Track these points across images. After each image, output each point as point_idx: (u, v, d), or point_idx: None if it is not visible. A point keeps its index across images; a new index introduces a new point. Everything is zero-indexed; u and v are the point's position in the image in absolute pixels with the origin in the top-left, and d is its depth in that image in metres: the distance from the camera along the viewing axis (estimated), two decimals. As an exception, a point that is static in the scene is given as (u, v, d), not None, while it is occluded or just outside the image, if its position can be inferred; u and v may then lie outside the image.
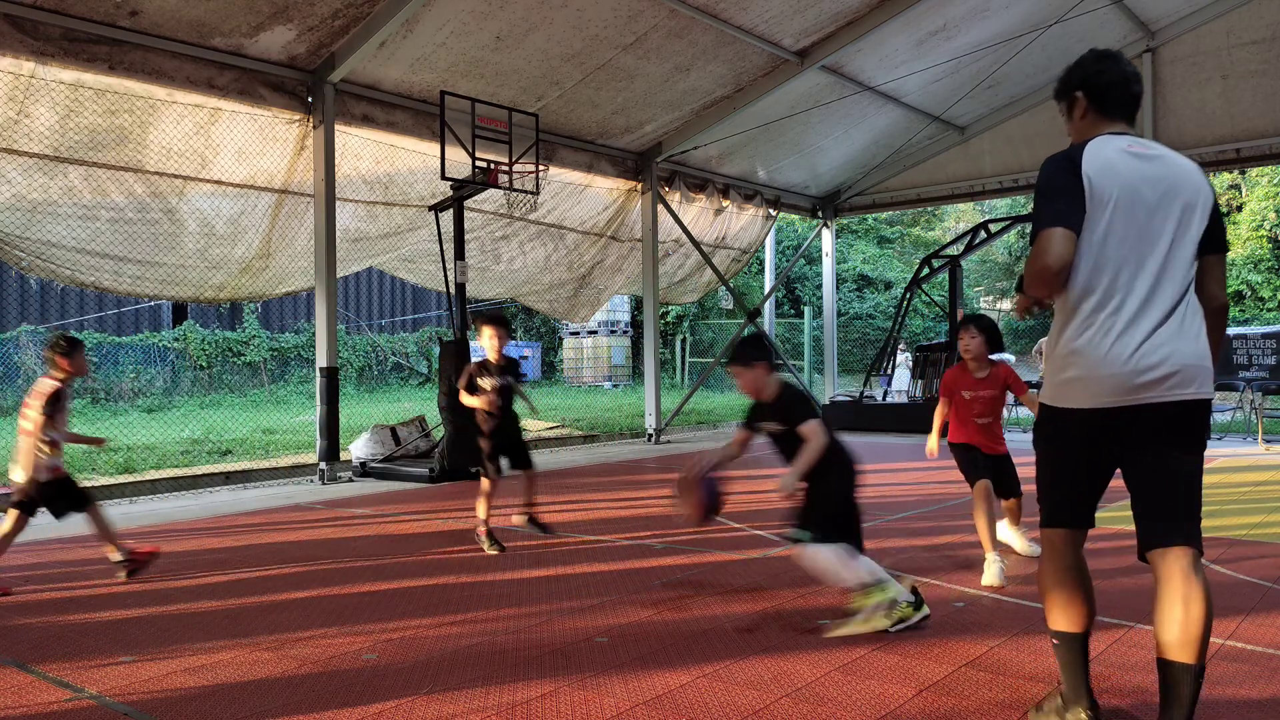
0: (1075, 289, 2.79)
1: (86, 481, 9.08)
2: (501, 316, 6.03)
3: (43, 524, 7.28)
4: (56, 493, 5.22)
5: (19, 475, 5.12)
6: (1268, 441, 12.51)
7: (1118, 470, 2.92)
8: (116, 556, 5.33)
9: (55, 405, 5.13)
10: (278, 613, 4.53)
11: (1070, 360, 2.80)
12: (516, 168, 9.99)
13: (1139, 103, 3.00)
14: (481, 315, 6.02)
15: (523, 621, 4.32)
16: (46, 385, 5.16)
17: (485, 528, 6.03)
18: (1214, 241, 2.85)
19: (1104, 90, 2.95)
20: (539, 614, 4.45)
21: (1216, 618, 4.13)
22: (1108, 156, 2.80)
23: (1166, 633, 2.69)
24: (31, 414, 5.05)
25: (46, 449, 5.10)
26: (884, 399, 16.71)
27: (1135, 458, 2.81)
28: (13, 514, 5.11)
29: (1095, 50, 3.05)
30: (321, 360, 9.73)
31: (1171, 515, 2.77)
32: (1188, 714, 2.69)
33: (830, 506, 4.17)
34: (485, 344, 5.96)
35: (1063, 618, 2.89)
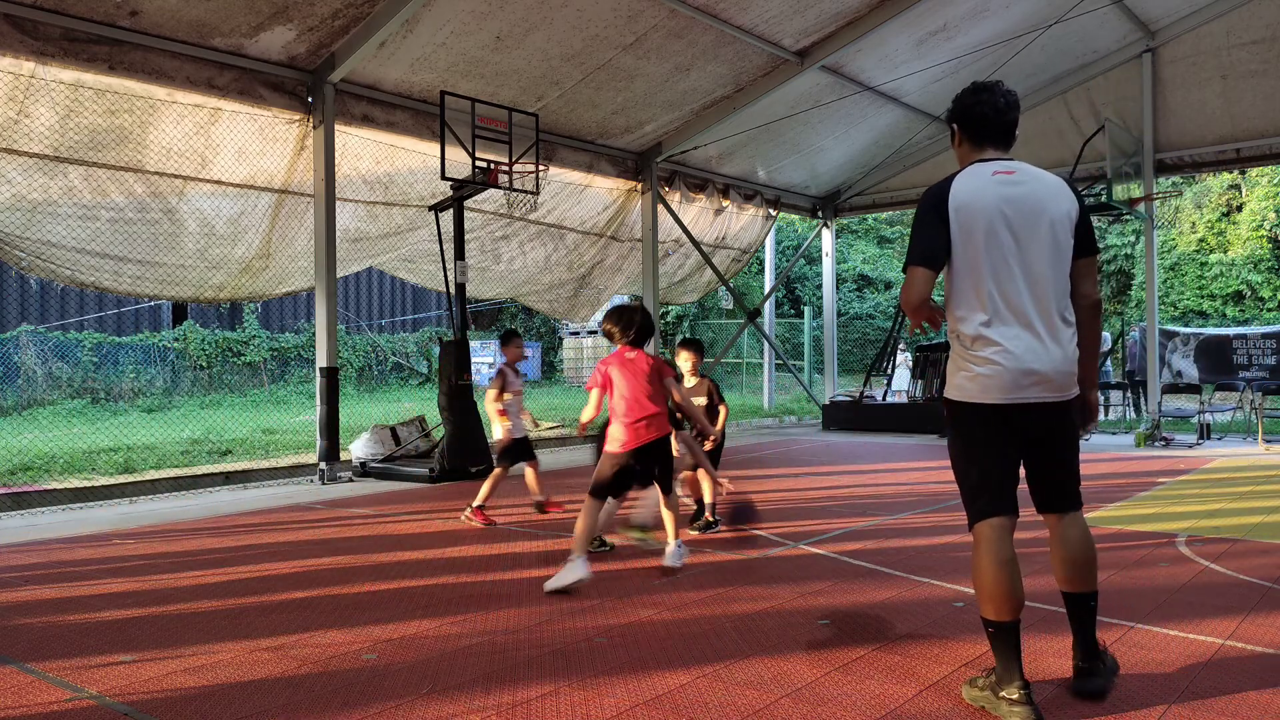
0: (962, 306, 3.20)
1: (85, 481, 9.08)
2: (693, 340, 6.87)
3: (43, 523, 7.29)
4: (518, 448, 6.98)
5: (498, 434, 6.93)
6: (1268, 441, 12.51)
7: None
8: (539, 498, 7.25)
9: (500, 383, 6.92)
10: (278, 613, 4.53)
11: (968, 365, 3.20)
12: (516, 168, 9.99)
13: (1013, 129, 3.32)
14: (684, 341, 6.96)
15: (523, 621, 4.32)
16: (498, 368, 7.06)
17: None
18: (1083, 246, 3.22)
19: (976, 122, 3.30)
20: (539, 614, 4.45)
21: (1216, 617, 4.18)
22: (975, 186, 3.17)
23: (1063, 571, 3.28)
24: (489, 391, 6.94)
25: (501, 417, 6.85)
26: (884, 399, 16.72)
27: (1029, 445, 3.24)
28: (499, 468, 6.91)
29: (974, 84, 3.37)
30: (321, 360, 9.72)
31: (1060, 487, 3.29)
32: (1090, 633, 3.28)
33: None
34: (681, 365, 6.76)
35: (994, 609, 3.14)
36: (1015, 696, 3.06)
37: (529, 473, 7.23)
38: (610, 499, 5.19)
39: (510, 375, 7.02)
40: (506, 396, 6.92)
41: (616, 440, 5.03)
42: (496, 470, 6.89)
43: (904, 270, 3.22)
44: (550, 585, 4.83)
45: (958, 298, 3.21)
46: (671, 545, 5.26)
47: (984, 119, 3.29)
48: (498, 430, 6.94)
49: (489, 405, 6.90)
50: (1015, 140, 3.35)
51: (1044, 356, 3.12)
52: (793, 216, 22.13)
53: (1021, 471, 3.28)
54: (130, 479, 9.19)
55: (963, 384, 3.22)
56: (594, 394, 5.09)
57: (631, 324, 5.10)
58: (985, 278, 3.13)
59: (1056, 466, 3.27)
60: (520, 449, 7.02)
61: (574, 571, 4.81)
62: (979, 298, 3.15)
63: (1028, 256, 3.13)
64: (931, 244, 3.16)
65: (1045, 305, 3.14)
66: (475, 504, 6.89)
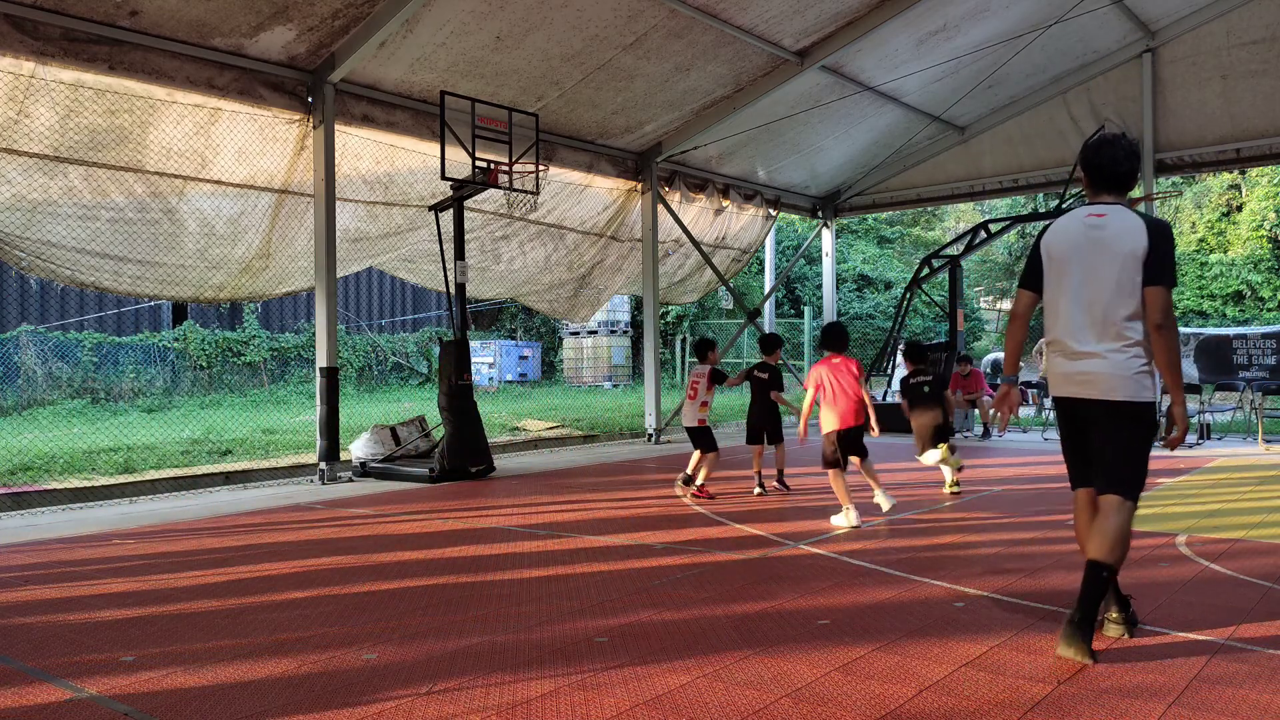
0: (1047, 319, 4.02)
1: (85, 481, 9.08)
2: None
3: (43, 523, 7.29)
4: (702, 435, 8.14)
5: (693, 422, 8.18)
6: (1268, 441, 12.51)
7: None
8: (700, 481, 8.10)
9: (711, 381, 8.15)
10: (278, 613, 4.53)
11: (1048, 366, 4.06)
12: (516, 168, 9.98)
13: (1129, 179, 3.95)
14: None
15: (523, 621, 4.32)
16: (703, 369, 8.22)
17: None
18: (1150, 276, 3.74)
19: (1094, 172, 3.96)
20: (539, 614, 4.45)
21: (1216, 617, 4.21)
22: (1065, 226, 3.96)
23: (1090, 542, 3.84)
24: (700, 386, 8.16)
25: (703, 410, 8.14)
26: (884, 399, 16.71)
27: (1092, 433, 3.93)
28: (710, 455, 8.11)
29: (1100, 137, 3.99)
30: (321, 360, 9.72)
31: (1106, 472, 3.88)
32: (1097, 600, 3.76)
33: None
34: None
35: (1081, 549, 3.96)
36: (1113, 618, 4.00)
37: (710, 459, 8.22)
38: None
39: (706, 377, 8.31)
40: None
41: (830, 424, 6.75)
42: (713, 455, 8.10)
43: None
44: (834, 520, 6.76)
45: (1045, 313, 4.04)
46: (879, 493, 7.00)
47: (1100, 169, 3.93)
48: (696, 418, 8.13)
49: (706, 396, 8.15)
50: (1134, 184, 4.01)
51: (1087, 364, 3.83)
52: (793, 216, 22.14)
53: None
54: (130, 479, 9.20)
55: (1048, 380, 4.06)
56: (810, 393, 6.89)
57: (826, 335, 7.06)
58: (1056, 299, 3.94)
59: (1097, 454, 3.92)
60: (705, 435, 8.25)
61: (849, 517, 6.66)
62: (1052, 314, 3.97)
63: (1090, 284, 3.82)
64: (1028, 272, 4.09)
65: (1098, 325, 3.81)
66: (699, 482, 8.10)
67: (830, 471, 6.75)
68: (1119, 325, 3.77)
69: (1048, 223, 4.02)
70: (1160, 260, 3.72)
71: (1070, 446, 4.04)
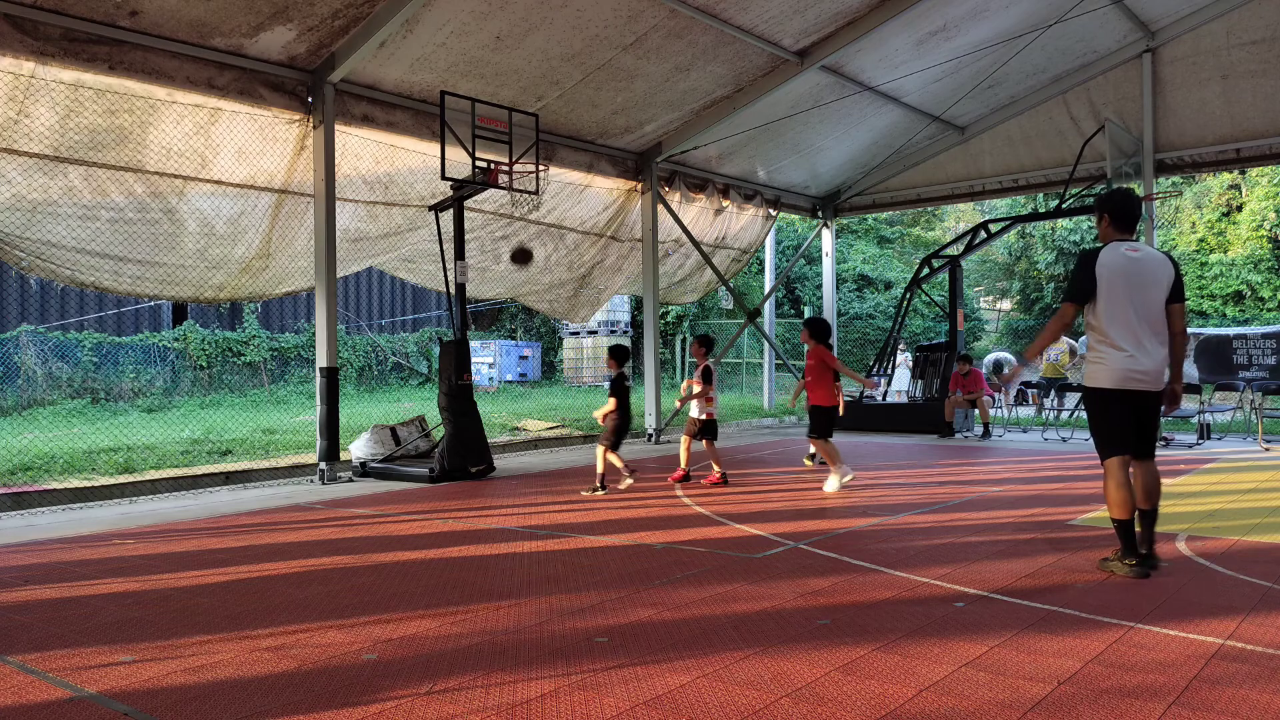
0: (1096, 328, 5.13)
1: (85, 481, 9.08)
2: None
3: (43, 523, 7.29)
4: (707, 427, 9.01)
5: (698, 413, 8.98)
6: (1268, 441, 12.51)
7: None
8: (717, 470, 8.93)
9: (707, 377, 8.99)
10: (278, 613, 4.53)
11: (1094, 364, 5.17)
12: (516, 168, 9.98)
13: (1139, 219, 5.27)
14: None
15: (523, 621, 4.33)
16: (704, 369, 9.04)
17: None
18: (1175, 296, 5.11)
19: (1120, 213, 5.27)
20: (539, 614, 4.45)
21: (1216, 617, 4.23)
22: (1114, 256, 5.10)
23: (1139, 493, 5.13)
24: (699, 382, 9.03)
25: (707, 402, 8.97)
26: (884, 399, 16.72)
27: (1135, 417, 5.13)
28: (707, 441, 8.99)
29: (1120, 188, 5.24)
30: (321, 360, 9.72)
31: (1149, 443, 5.23)
32: (1151, 534, 5.19)
33: None
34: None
35: (1116, 511, 5.09)
36: (1131, 563, 5.06)
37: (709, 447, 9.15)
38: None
39: (713, 371, 9.18)
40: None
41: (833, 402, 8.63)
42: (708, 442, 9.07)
43: (1061, 302, 5.26)
44: (829, 488, 8.34)
45: (1097, 322, 5.11)
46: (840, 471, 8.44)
47: (1126, 214, 5.24)
48: (697, 412, 9.00)
49: (705, 392, 8.98)
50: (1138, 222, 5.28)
51: (1140, 363, 5.02)
52: (793, 216, 22.14)
53: None
54: (130, 479, 9.19)
55: (1093, 374, 5.16)
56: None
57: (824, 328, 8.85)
58: (1115, 310, 5.03)
59: (1144, 431, 5.17)
60: (710, 427, 9.08)
61: (845, 473, 8.44)
62: (1107, 323, 5.05)
63: (1136, 301, 5.03)
64: (1080, 289, 5.12)
65: (1144, 331, 5.03)
66: (718, 472, 8.95)
67: (816, 441, 8.62)
68: (1159, 332, 5.07)
69: (1093, 248, 5.18)
70: (1180, 284, 5.14)
71: (1120, 425, 5.11)
